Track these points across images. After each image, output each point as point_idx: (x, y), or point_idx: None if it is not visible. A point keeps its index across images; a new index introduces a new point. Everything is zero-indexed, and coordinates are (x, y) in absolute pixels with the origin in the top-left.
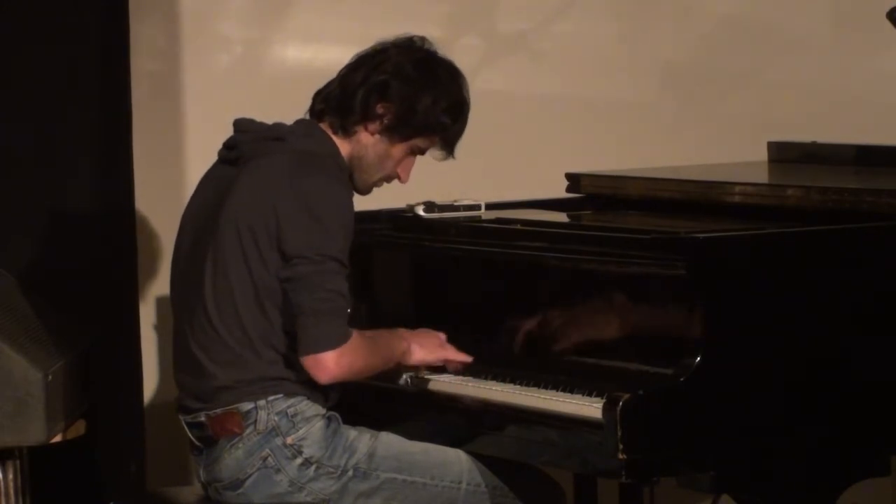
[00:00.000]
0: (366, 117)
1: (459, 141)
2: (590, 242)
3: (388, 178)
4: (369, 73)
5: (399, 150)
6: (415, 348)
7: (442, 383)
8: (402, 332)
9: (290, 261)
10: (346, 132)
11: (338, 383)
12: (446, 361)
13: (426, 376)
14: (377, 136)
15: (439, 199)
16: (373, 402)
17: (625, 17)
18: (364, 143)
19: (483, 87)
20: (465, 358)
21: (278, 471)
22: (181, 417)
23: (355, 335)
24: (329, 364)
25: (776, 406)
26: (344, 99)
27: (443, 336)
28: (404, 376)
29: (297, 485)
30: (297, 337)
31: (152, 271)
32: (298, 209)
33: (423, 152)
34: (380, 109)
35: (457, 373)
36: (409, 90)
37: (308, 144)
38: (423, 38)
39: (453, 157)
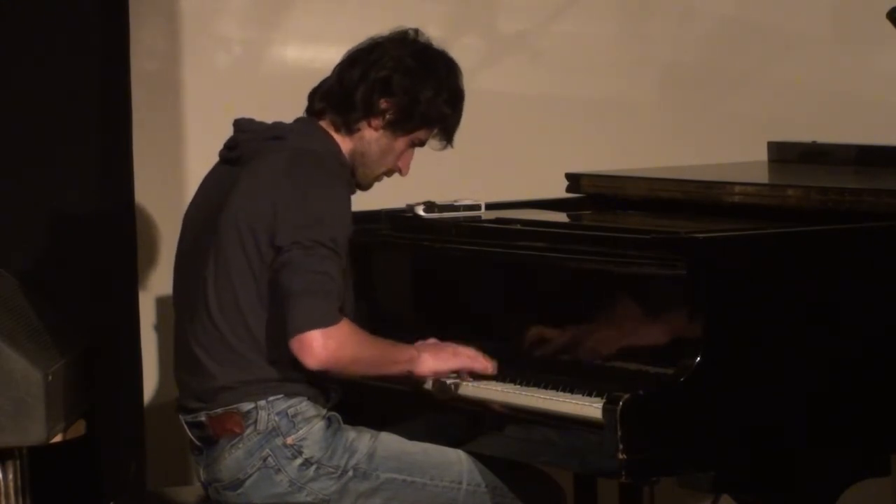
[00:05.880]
0: (368, 113)
1: (457, 130)
2: (590, 242)
3: (389, 172)
4: (368, 69)
5: (401, 143)
6: (425, 357)
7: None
8: (416, 344)
9: (281, 249)
10: (349, 129)
11: (338, 383)
12: (464, 370)
13: (450, 381)
14: (380, 132)
15: (439, 199)
16: (373, 402)
17: (625, 17)
18: (367, 139)
19: (483, 87)
20: (485, 365)
21: (278, 471)
22: (181, 417)
23: (346, 322)
24: (314, 345)
25: (776, 406)
26: (344, 96)
27: (455, 346)
28: (429, 381)
29: (298, 485)
30: (285, 320)
31: (152, 271)
32: (294, 203)
33: (423, 144)
34: (383, 105)
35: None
36: (410, 83)
37: (308, 143)
38: (416, 31)
39: (452, 146)
